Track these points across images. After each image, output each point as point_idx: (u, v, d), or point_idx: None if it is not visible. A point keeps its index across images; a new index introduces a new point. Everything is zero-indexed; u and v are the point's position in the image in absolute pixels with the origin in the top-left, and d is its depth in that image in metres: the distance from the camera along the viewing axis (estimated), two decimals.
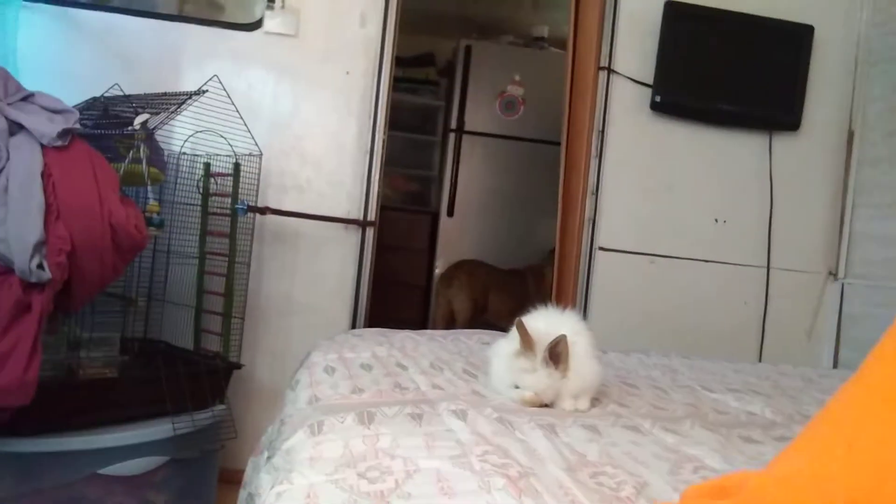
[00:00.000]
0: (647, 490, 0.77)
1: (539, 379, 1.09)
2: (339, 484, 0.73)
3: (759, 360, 2.65)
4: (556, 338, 1.08)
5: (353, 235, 2.50)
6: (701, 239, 2.68)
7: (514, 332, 1.18)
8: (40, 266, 1.49)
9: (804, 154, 2.70)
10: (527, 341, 1.09)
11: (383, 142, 2.51)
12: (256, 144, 2.21)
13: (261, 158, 2.24)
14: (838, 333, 2.68)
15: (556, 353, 1.09)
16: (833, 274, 2.72)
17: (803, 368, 2.00)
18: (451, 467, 0.79)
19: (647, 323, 2.59)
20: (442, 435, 0.89)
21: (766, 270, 2.68)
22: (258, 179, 2.25)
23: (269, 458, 0.95)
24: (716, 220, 2.69)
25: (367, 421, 0.92)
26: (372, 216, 2.50)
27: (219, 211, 2.19)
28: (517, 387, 1.12)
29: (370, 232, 2.51)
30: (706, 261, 2.68)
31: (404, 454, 0.81)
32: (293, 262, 2.47)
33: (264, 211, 2.30)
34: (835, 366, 2.66)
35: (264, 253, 2.43)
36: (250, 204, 2.20)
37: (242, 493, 1.12)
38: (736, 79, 2.60)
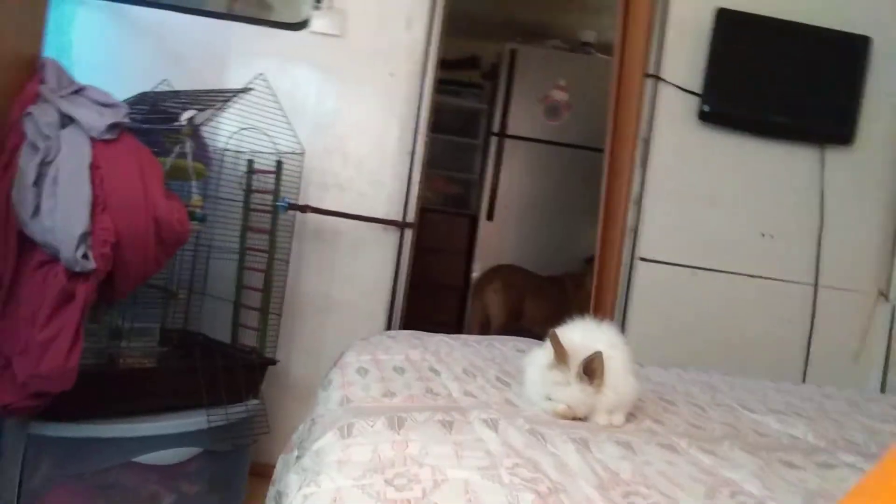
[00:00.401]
0: None
1: (572, 393, 1.07)
2: (367, 490, 0.73)
3: (804, 381, 2.57)
4: (592, 354, 1.06)
5: (392, 236, 2.50)
6: (746, 253, 2.61)
7: (548, 342, 1.16)
8: (85, 256, 1.52)
9: (858, 169, 2.61)
10: (561, 354, 1.08)
11: (425, 144, 2.51)
12: (299, 143, 2.23)
13: (303, 157, 2.26)
14: (887, 356, 2.58)
15: (591, 370, 1.06)
16: (884, 294, 2.62)
17: (849, 391, 1.94)
18: (480, 479, 0.77)
19: (688, 337, 2.53)
20: (472, 444, 0.88)
21: (813, 288, 2.60)
22: (300, 177, 2.27)
23: (298, 457, 0.95)
24: (762, 235, 2.62)
25: (397, 426, 0.91)
26: (411, 217, 2.50)
27: (260, 207, 2.21)
28: (550, 398, 1.10)
29: (409, 233, 2.51)
30: (751, 275, 2.61)
31: (433, 462, 0.80)
32: (331, 260, 2.49)
33: (305, 209, 2.31)
34: (882, 390, 2.57)
35: (303, 250, 2.45)
36: (291, 202, 2.22)
37: (272, 490, 1.12)
38: (788, 90, 2.53)
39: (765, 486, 0.88)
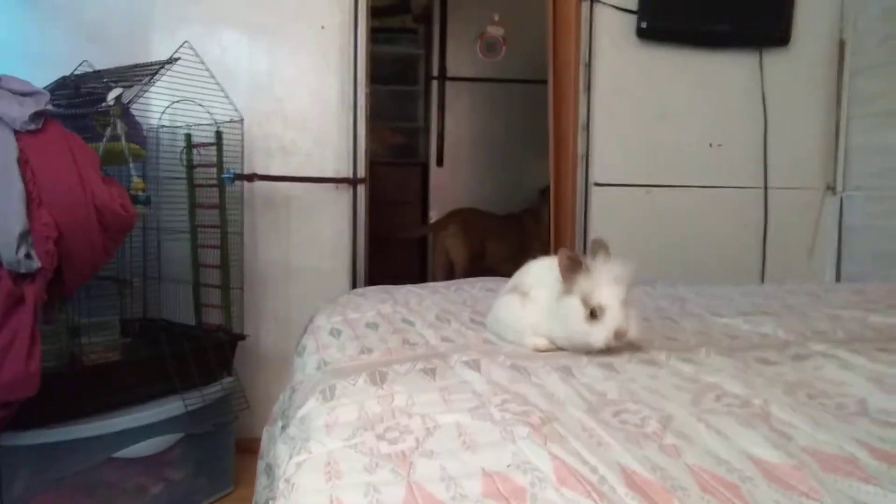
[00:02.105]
0: (672, 423, 0.76)
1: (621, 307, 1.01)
2: (359, 448, 0.71)
3: (762, 280, 2.65)
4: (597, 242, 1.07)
5: (345, 194, 2.46)
6: (697, 165, 2.64)
7: (520, 277, 1.16)
8: (28, 256, 1.45)
9: (796, 69, 2.64)
10: (576, 267, 1.01)
11: (366, 95, 2.44)
12: (236, 110, 2.15)
13: (242, 124, 2.18)
14: (839, 247, 2.67)
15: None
16: (831, 188, 2.69)
17: (809, 285, 2.00)
18: (472, 420, 0.77)
19: (650, 255, 2.57)
20: (457, 388, 0.87)
21: (763, 191, 2.65)
22: (242, 146, 2.19)
23: (283, 427, 0.93)
24: (710, 145, 2.65)
25: (379, 381, 0.90)
26: (362, 173, 2.45)
27: (205, 182, 2.14)
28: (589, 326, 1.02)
29: (361, 189, 2.46)
30: (703, 186, 2.65)
31: (421, 411, 0.79)
32: (286, 227, 2.44)
33: (252, 178, 2.25)
34: (837, 279, 2.66)
35: (257, 220, 2.39)
36: (237, 172, 2.15)
37: (261, 464, 1.10)
38: None
39: (746, 385, 0.89)
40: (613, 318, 0.99)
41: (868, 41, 2.56)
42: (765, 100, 2.61)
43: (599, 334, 1.00)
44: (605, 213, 2.58)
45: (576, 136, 2.56)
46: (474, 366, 0.96)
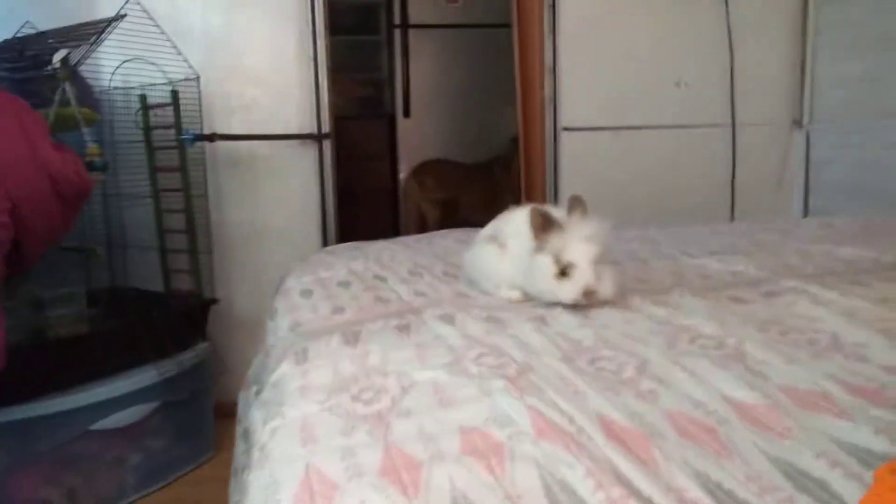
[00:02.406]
0: (648, 368, 0.75)
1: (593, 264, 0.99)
2: (335, 410, 0.70)
3: (732, 217, 2.67)
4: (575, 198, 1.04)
5: (311, 150, 2.40)
6: (664, 105, 2.62)
7: (499, 226, 1.13)
8: None
9: (760, 2, 2.61)
10: (548, 225, 1.00)
11: (326, 47, 2.36)
12: (191, 67, 2.07)
13: (199, 82, 2.11)
14: (807, 180, 2.69)
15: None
16: (798, 122, 2.70)
17: (779, 221, 2.01)
18: (448, 376, 0.76)
19: (620, 197, 2.56)
20: (432, 343, 0.86)
21: (731, 128, 2.65)
22: (200, 105, 2.12)
23: (257, 392, 0.92)
24: (677, 84, 2.62)
25: (353, 340, 0.89)
26: (326, 128, 2.39)
27: (164, 144, 2.07)
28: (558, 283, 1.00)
29: (327, 144, 2.41)
30: (671, 126, 2.63)
31: (396, 369, 0.78)
32: (252, 187, 2.38)
33: (212, 137, 2.18)
34: (805, 213, 2.69)
35: (221, 182, 2.33)
36: (196, 132, 2.08)
37: (239, 429, 1.09)
38: None
39: (720, 326, 0.90)
40: (582, 276, 0.98)
41: None
42: (730, 35, 2.58)
43: (568, 292, 0.98)
44: (575, 157, 2.56)
45: (542, 79, 2.51)
46: (448, 320, 0.95)
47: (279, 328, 1.06)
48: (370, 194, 4.09)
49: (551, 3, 2.47)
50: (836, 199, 2.56)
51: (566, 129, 2.54)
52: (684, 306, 1.02)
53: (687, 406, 0.65)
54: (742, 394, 0.67)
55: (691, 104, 2.64)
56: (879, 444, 0.57)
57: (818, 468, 0.54)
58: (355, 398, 0.72)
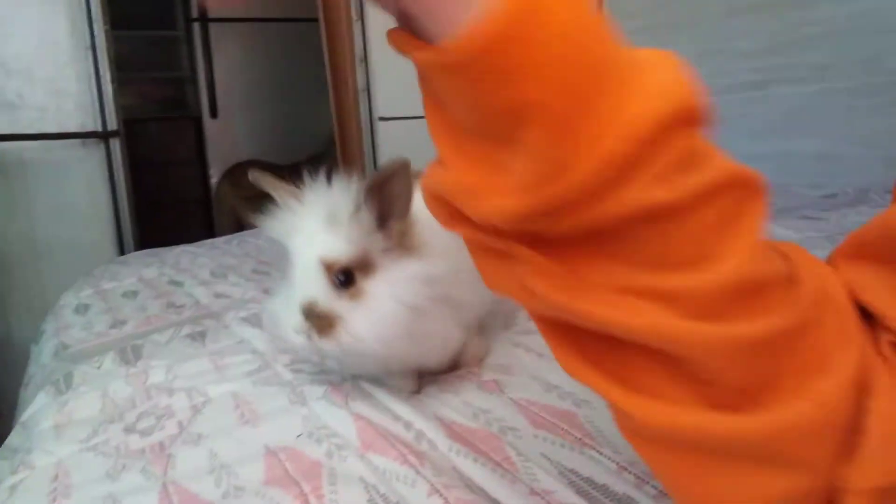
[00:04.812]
0: (488, 355, 0.67)
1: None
2: (100, 448, 0.54)
3: None
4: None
5: (97, 151, 2.10)
6: None
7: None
8: None
9: None
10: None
11: (107, 32, 2.08)
12: None
13: None
14: None
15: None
16: None
17: None
18: (252, 386, 0.62)
19: None
20: (233, 350, 0.72)
21: None
22: None
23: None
24: None
25: (132, 357, 0.72)
26: (114, 125, 2.11)
27: None
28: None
29: (116, 144, 2.12)
30: None
31: (186, 385, 0.63)
32: (25, 196, 2.04)
33: None
34: None
35: None
36: None
37: None
38: None
39: None
40: None
41: None
42: None
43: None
44: (393, 149, 2.48)
45: (354, 69, 2.41)
46: (255, 321, 0.81)
47: (42, 353, 0.85)
48: (180, 203, 3.75)
49: None
50: None
51: (382, 118, 2.46)
52: None
53: (537, 392, 0.57)
54: None
55: None
56: None
57: None
58: (129, 429, 0.57)
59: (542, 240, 0.27)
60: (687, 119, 0.25)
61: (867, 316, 0.30)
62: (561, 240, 0.27)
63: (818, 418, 0.27)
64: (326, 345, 0.49)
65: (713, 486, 0.29)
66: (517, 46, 0.23)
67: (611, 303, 0.27)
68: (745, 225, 0.27)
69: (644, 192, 0.25)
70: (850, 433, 0.27)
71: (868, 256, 0.31)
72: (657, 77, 0.25)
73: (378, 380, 0.60)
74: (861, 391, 0.28)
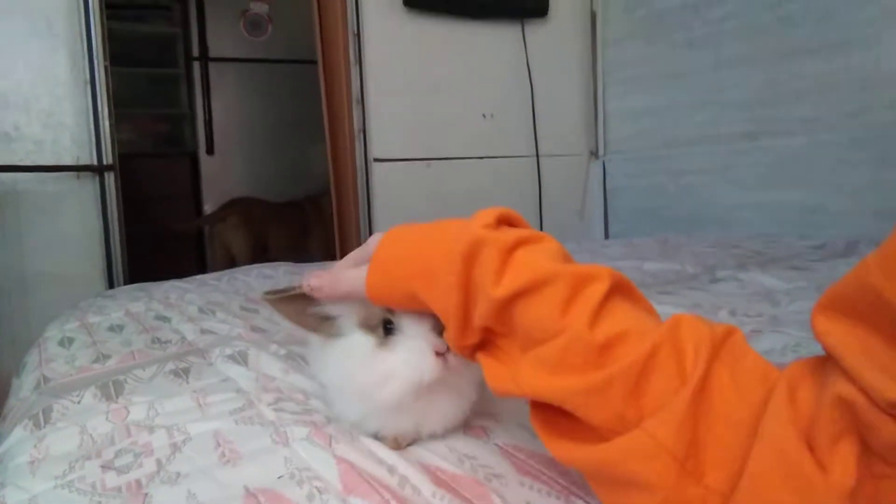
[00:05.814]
0: None
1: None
2: (76, 485, 0.53)
3: None
4: None
5: (91, 185, 2.11)
6: (472, 136, 2.65)
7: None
8: None
9: (555, 39, 2.75)
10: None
11: (106, 68, 2.11)
12: None
13: None
14: (605, 208, 2.84)
15: None
16: (594, 153, 2.85)
17: (586, 243, 2.07)
18: (234, 425, 0.61)
19: None
20: (217, 388, 0.71)
21: (535, 158, 2.74)
22: None
23: None
24: (483, 116, 2.67)
25: (113, 393, 0.71)
26: (109, 159, 2.12)
27: None
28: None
29: (110, 178, 2.13)
30: (479, 157, 2.67)
31: (167, 422, 0.62)
32: (17, 227, 2.03)
33: None
34: (606, 237, 2.83)
35: None
36: None
37: None
38: None
39: None
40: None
41: (613, 12, 2.73)
42: (530, 70, 2.68)
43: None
44: (388, 189, 2.50)
45: (351, 111, 2.44)
46: (240, 359, 0.80)
47: (23, 387, 0.84)
48: (173, 237, 3.75)
49: (356, 31, 2.41)
50: (632, 224, 2.72)
51: (377, 160, 2.48)
52: None
53: (524, 437, 0.56)
54: None
55: (498, 136, 2.70)
56: None
57: None
58: (107, 466, 0.56)
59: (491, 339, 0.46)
60: (478, 244, 0.44)
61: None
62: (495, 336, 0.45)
63: (650, 445, 0.34)
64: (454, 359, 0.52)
65: None
66: (386, 279, 0.50)
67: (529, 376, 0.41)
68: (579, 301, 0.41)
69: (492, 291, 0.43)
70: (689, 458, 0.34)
71: (846, 312, 0.32)
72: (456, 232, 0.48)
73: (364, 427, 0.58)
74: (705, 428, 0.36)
